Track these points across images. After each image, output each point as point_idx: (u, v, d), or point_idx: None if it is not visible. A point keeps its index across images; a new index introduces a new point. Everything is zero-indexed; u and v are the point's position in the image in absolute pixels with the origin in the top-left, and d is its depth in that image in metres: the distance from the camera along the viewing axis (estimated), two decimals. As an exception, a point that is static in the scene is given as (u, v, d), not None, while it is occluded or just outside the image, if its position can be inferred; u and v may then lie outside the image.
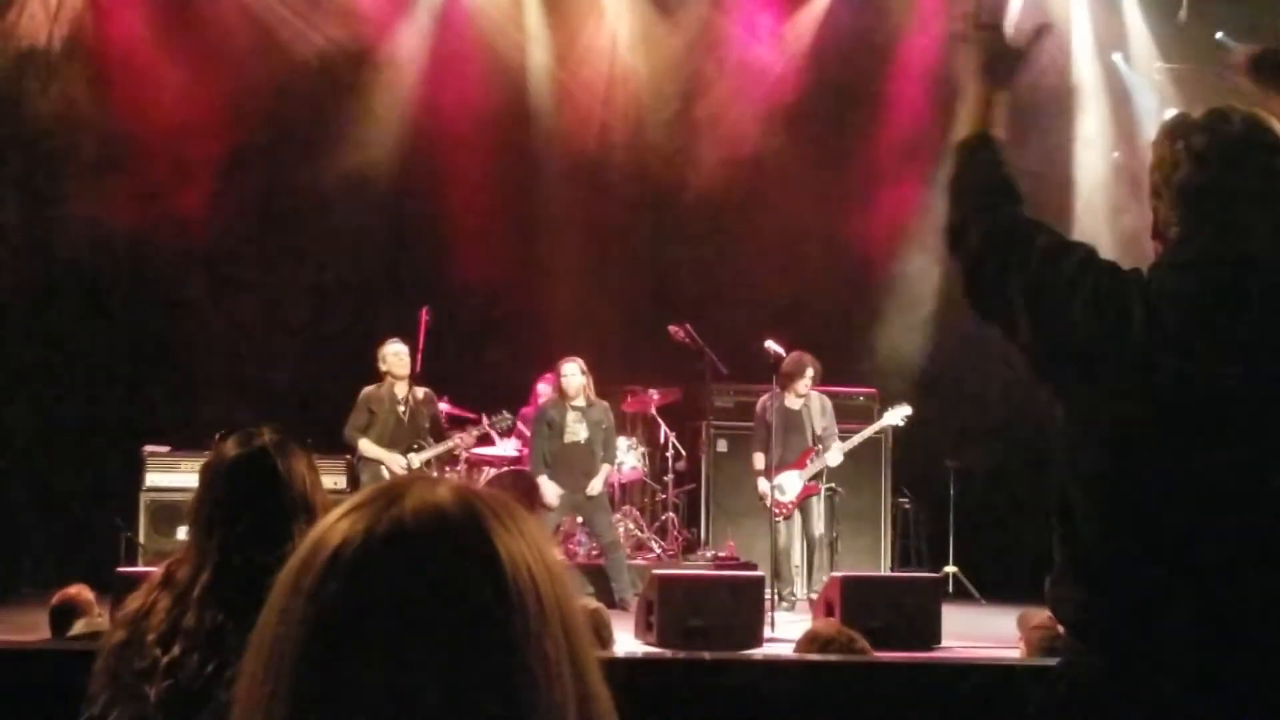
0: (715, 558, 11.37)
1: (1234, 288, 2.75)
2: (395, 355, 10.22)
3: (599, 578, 10.68)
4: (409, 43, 12.62)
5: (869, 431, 10.76)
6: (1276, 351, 2.73)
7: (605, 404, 10.84)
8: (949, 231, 2.99)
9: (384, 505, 1.24)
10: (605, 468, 10.62)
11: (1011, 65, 3.14)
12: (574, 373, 10.52)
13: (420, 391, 10.34)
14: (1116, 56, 13.08)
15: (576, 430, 10.52)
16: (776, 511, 10.45)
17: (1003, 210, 2.96)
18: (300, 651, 1.19)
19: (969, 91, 3.14)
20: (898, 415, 10.74)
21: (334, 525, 1.25)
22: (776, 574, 10.42)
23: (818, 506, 10.46)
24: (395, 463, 10.02)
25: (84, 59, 11.87)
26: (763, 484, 10.54)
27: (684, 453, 12.20)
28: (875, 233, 12.33)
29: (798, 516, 10.53)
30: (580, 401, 10.55)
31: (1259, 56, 3.20)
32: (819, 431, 10.41)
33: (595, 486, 10.51)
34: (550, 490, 10.47)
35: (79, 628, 5.43)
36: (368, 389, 10.29)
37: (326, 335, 11.94)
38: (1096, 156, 13.11)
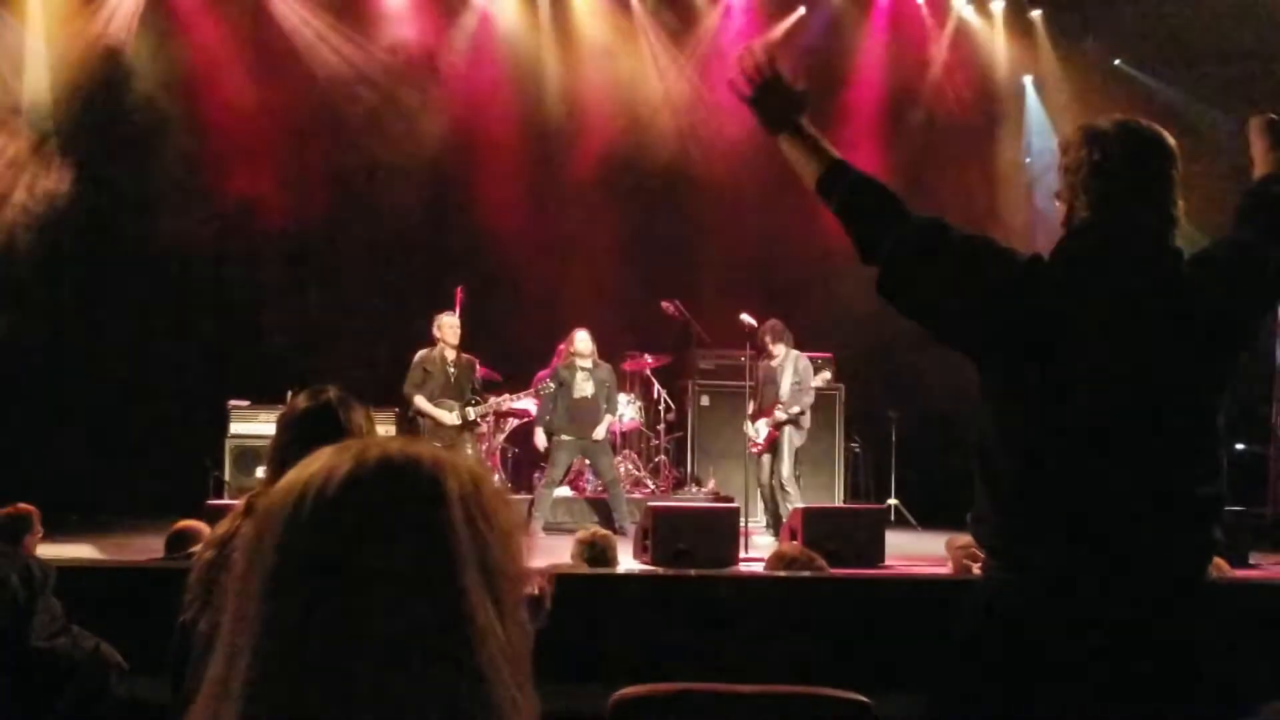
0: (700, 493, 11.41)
1: (1132, 268, 2.75)
2: (450, 326, 10.10)
3: (603, 509, 10.71)
4: (448, 61, 12.52)
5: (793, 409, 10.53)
6: (1164, 318, 2.73)
7: (609, 365, 10.78)
8: (860, 248, 2.95)
9: (349, 454, 1.22)
10: (608, 418, 10.54)
11: (799, 104, 3.04)
12: (585, 339, 10.49)
13: (465, 357, 10.23)
14: (1027, 78, 13.01)
15: (585, 387, 10.44)
16: (751, 450, 10.49)
17: (902, 214, 2.91)
18: (273, 576, 1.17)
19: (784, 146, 3.04)
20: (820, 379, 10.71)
21: (311, 469, 1.22)
22: (763, 500, 10.57)
23: (785, 451, 10.34)
24: (446, 417, 9.94)
25: (165, 60, 11.77)
26: (746, 426, 10.60)
27: (673, 406, 12.16)
28: (832, 218, 12.24)
29: (769, 456, 10.47)
30: (588, 363, 10.49)
31: (1273, 122, 3.14)
32: (785, 388, 10.35)
33: (599, 433, 10.44)
34: (541, 439, 10.61)
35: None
36: (421, 352, 10.14)
37: (380, 308, 11.86)
38: (1014, 159, 13.11)
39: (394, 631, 1.14)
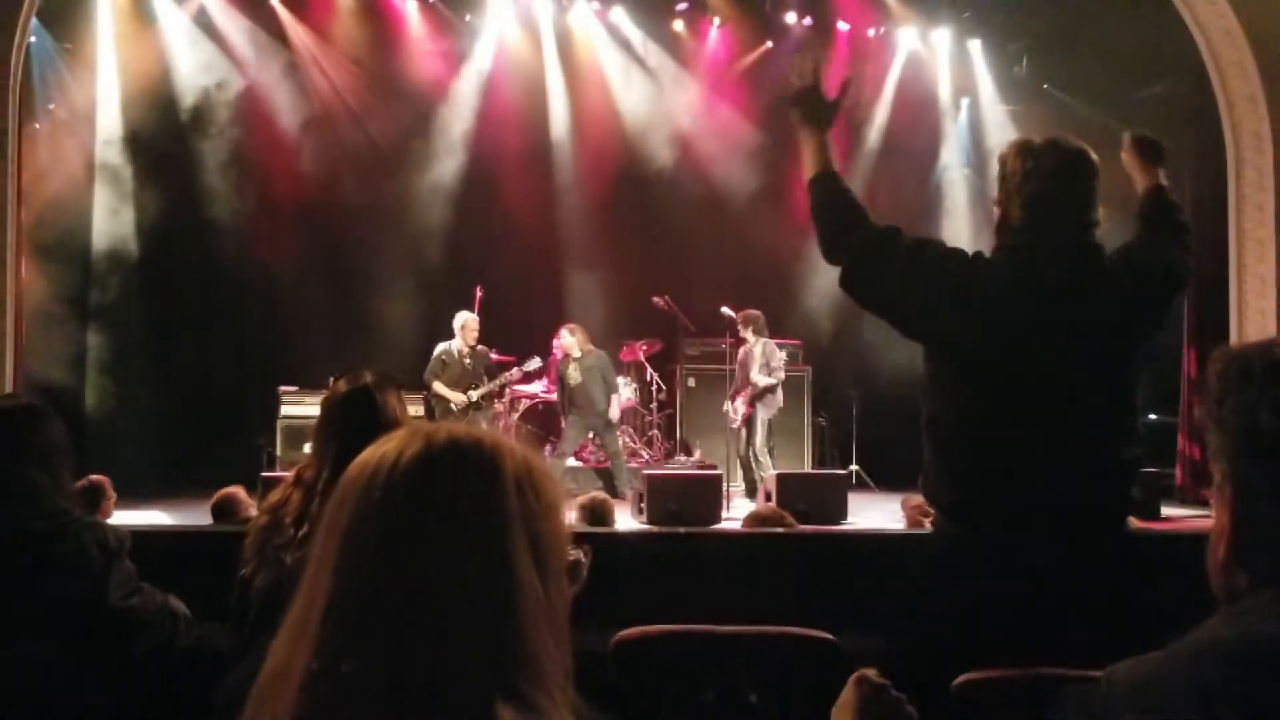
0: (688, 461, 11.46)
1: (1058, 264, 2.78)
2: (469, 323, 10.21)
3: (605, 476, 10.79)
4: (465, 92, 12.49)
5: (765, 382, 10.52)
6: (1085, 306, 2.76)
7: (600, 352, 10.69)
8: (824, 246, 2.98)
9: (427, 436, 1.24)
10: (614, 397, 10.55)
11: (829, 114, 3.06)
12: (564, 335, 10.55)
13: (480, 348, 10.27)
14: (964, 100, 12.99)
15: (574, 376, 10.44)
16: (730, 425, 10.55)
17: (863, 224, 2.93)
18: (350, 537, 1.19)
19: (804, 140, 3.06)
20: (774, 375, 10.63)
21: (383, 449, 1.24)
22: (741, 468, 10.57)
23: (758, 426, 10.33)
24: (457, 399, 9.99)
25: (216, 79, 11.81)
26: (725, 405, 10.61)
27: (664, 387, 12.18)
28: (800, 223, 12.27)
29: (745, 430, 10.47)
30: (576, 353, 10.47)
31: (1141, 140, 3.19)
32: (756, 371, 10.35)
33: (614, 413, 10.54)
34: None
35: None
36: (442, 345, 10.21)
37: (409, 305, 11.82)
38: (954, 172, 13.12)
39: (448, 583, 1.16)
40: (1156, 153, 3.23)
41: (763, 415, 10.40)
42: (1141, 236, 3.05)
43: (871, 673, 1.51)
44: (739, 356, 10.55)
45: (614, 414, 10.57)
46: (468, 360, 10.20)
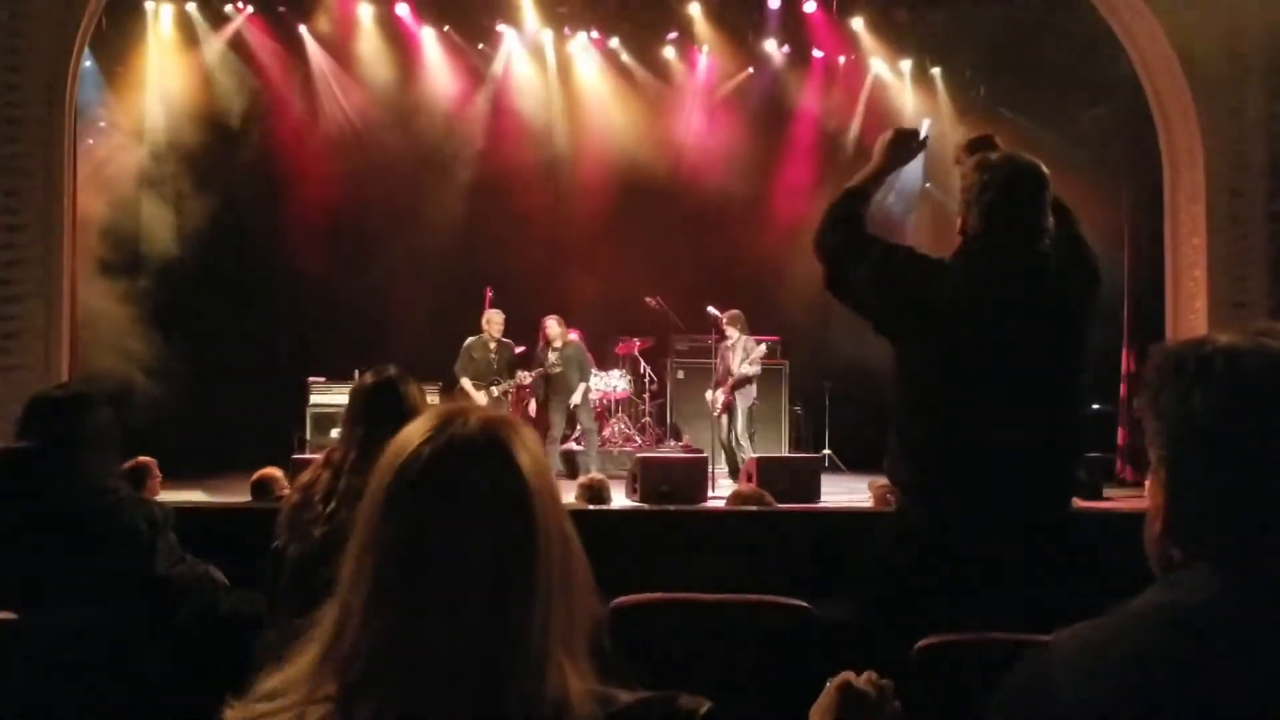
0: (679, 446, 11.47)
1: (1014, 267, 2.78)
2: (496, 319, 10.25)
3: (568, 459, 10.87)
4: (477, 112, 12.51)
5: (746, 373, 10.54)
6: (1033, 304, 2.76)
7: (578, 343, 10.69)
8: (817, 242, 3.00)
9: (441, 424, 1.23)
10: (582, 385, 10.48)
11: (902, 160, 3.12)
12: (552, 324, 10.49)
13: (504, 342, 10.28)
14: (926, 120, 12.87)
15: (556, 364, 10.42)
16: (714, 413, 10.55)
17: (854, 232, 2.96)
18: (386, 519, 1.19)
19: (875, 160, 3.08)
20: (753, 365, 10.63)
21: (409, 435, 1.24)
22: (724, 452, 10.56)
23: (739, 414, 10.35)
24: (481, 397, 9.90)
25: (262, 130, 11.88)
26: (708, 395, 10.61)
27: (656, 379, 12.14)
28: (780, 231, 12.28)
29: (726, 418, 10.49)
30: (558, 343, 10.44)
31: (972, 140, 3.16)
32: (735, 364, 10.33)
33: (575, 398, 10.45)
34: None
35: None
36: (470, 340, 10.19)
37: (426, 304, 11.77)
38: (915, 184, 13.13)
39: (473, 554, 1.16)
40: (990, 148, 3.17)
41: (742, 404, 10.40)
42: (1059, 241, 3.02)
43: (853, 677, 1.45)
44: (720, 351, 10.56)
45: (576, 399, 10.49)
46: (493, 354, 10.19)
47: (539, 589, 1.16)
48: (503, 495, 1.19)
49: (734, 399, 10.41)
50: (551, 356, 10.47)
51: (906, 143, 3.09)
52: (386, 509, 1.19)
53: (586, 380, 10.72)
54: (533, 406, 10.58)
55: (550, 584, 1.17)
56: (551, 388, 10.50)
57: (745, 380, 10.37)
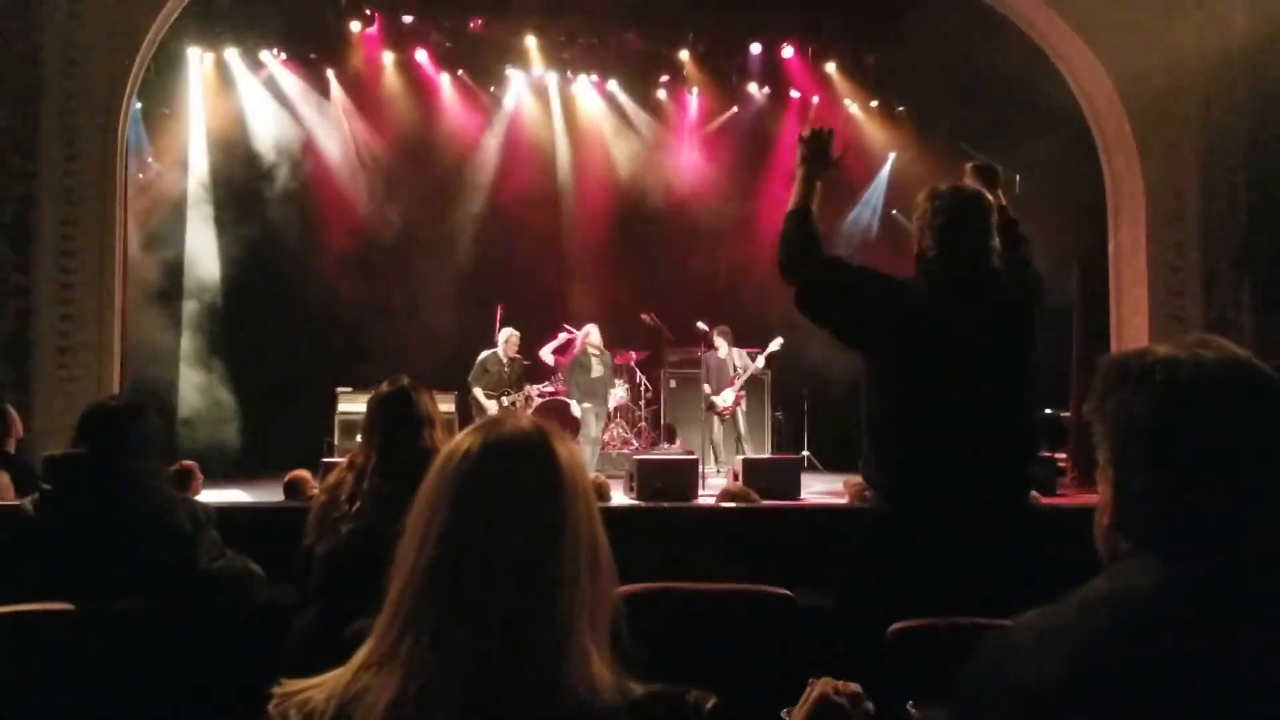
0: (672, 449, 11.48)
1: (966, 286, 2.79)
2: (513, 338, 10.25)
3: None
4: (489, 147, 12.50)
5: (754, 369, 10.84)
6: (985, 318, 2.77)
7: (607, 352, 10.80)
8: (782, 268, 2.96)
9: (491, 427, 1.25)
10: (614, 392, 10.53)
11: (828, 165, 3.07)
12: (594, 333, 10.54)
13: (517, 358, 10.28)
14: (890, 154, 12.94)
15: (597, 369, 10.36)
16: (723, 414, 10.61)
17: (814, 256, 2.93)
18: (441, 507, 1.19)
19: (799, 176, 3.05)
20: (762, 358, 10.83)
21: (463, 437, 1.25)
22: (715, 454, 10.61)
23: (740, 416, 10.45)
24: (493, 406, 9.90)
25: (294, 164, 11.87)
26: (725, 395, 10.58)
27: (650, 388, 12.12)
28: (762, 252, 12.30)
29: (722, 420, 10.52)
30: (598, 351, 10.44)
31: (979, 166, 3.21)
32: (739, 370, 10.38)
33: (612, 402, 10.45)
34: (578, 409, 10.42)
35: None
36: (485, 353, 10.17)
37: (442, 321, 11.73)
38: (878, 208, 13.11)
39: (516, 549, 1.16)
40: (993, 177, 3.21)
41: (741, 408, 10.52)
42: (1004, 256, 3.00)
43: (831, 689, 1.42)
44: (711, 362, 10.55)
45: (611, 403, 10.49)
46: (506, 369, 10.19)
47: (569, 576, 1.16)
48: (541, 487, 1.20)
49: (742, 399, 10.49)
50: (595, 363, 10.44)
51: (820, 146, 3.05)
52: (439, 499, 1.20)
53: (613, 387, 10.75)
54: (576, 409, 10.51)
55: (579, 573, 1.17)
56: (591, 391, 10.46)
57: (756, 378, 10.48)
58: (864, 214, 13.03)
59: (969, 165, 3.25)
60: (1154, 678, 1.12)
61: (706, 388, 10.72)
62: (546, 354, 11.02)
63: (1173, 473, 1.21)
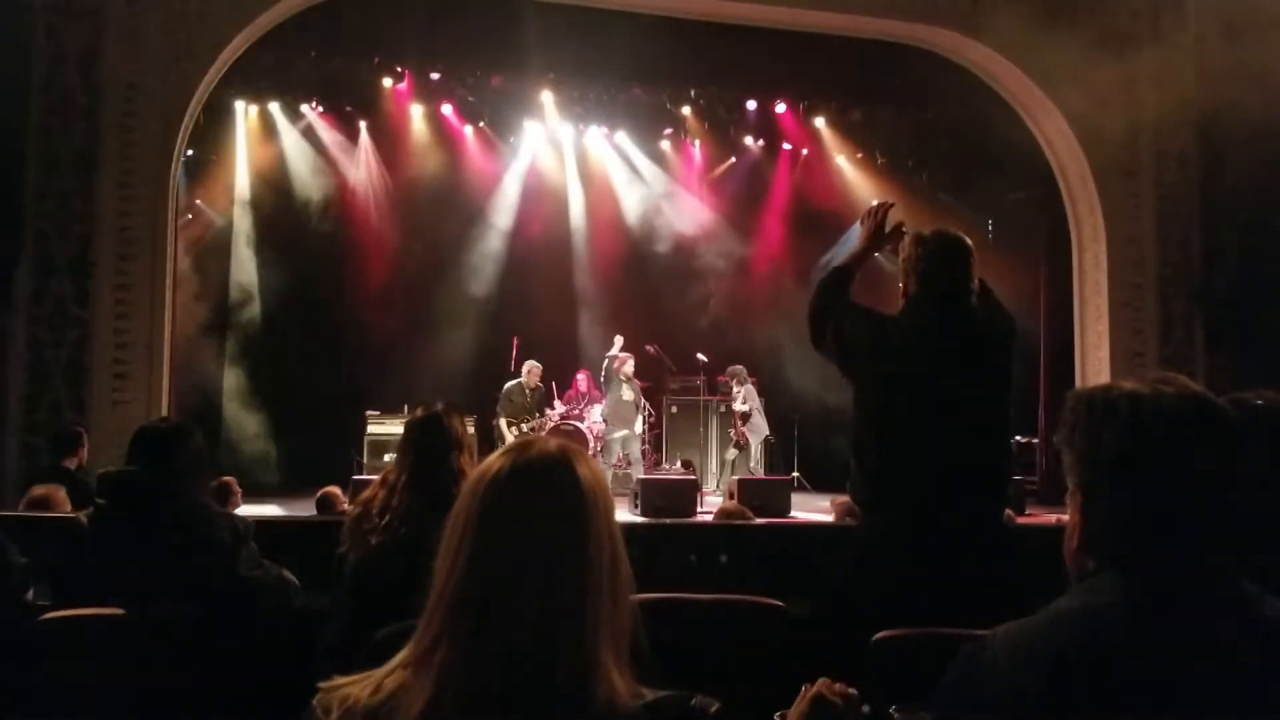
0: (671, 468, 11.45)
1: (946, 321, 2.80)
2: (535, 369, 10.30)
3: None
4: (507, 192, 12.55)
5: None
6: (964, 351, 2.77)
7: (636, 382, 10.77)
8: (810, 311, 3.00)
9: (519, 450, 1.23)
10: (640, 416, 10.54)
11: (880, 243, 3.10)
12: (630, 361, 10.56)
13: (539, 386, 10.29)
14: (874, 201, 12.94)
15: (629, 394, 10.38)
16: (739, 442, 10.77)
17: (831, 297, 2.97)
18: (473, 525, 1.18)
19: (860, 245, 3.09)
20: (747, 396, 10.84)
21: (494, 459, 1.23)
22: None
23: (752, 448, 10.62)
24: (510, 435, 9.86)
25: (330, 205, 11.96)
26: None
27: (654, 413, 11.90)
28: (759, 290, 12.36)
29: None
30: (627, 379, 10.49)
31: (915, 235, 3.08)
32: (739, 405, 10.58)
33: (638, 426, 10.45)
34: (591, 436, 10.37)
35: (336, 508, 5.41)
36: (510, 384, 10.23)
37: (464, 351, 11.77)
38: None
39: (540, 565, 1.14)
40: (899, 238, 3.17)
41: (754, 440, 10.61)
42: (983, 302, 3.00)
43: (826, 690, 1.39)
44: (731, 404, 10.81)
45: (638, 427, 10.47)
46: (529, 398, 10.25)
47: (593, 590, 1.15)
48: (566, 505, 1.18)
49: (747, 433, 10.63)
50: (626, 389, 10.40)
51: (881, 224, 3.10)
52: (470, 518, 1.18)
53: (641, 412, 10.70)
54: (589, 434, 10.48)
55: (601, 587, 1.16)
56: (624, 415, 10.44)
57: (743, 416, 10.53)
58: (840, 253, 13.03)
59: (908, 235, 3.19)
60: (1121, 685, 1.12)
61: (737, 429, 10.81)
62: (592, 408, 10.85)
63: (1135, 498, 1.21)
